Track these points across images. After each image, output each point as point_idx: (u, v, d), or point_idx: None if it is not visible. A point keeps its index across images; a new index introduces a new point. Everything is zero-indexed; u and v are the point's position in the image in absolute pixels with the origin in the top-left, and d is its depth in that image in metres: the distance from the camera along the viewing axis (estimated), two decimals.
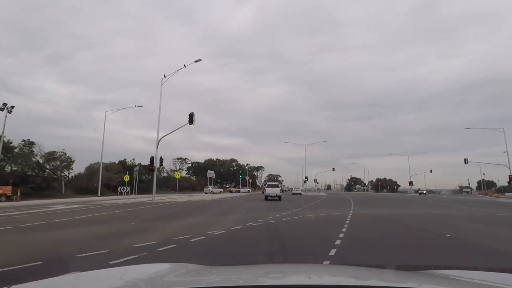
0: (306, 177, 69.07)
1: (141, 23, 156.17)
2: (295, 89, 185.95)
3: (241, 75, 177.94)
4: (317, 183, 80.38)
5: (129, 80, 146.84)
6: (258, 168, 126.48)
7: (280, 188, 32.66)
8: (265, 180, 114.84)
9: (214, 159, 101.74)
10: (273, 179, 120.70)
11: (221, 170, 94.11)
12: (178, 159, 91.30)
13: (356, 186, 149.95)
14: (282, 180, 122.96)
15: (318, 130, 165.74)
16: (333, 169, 79.67)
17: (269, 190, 31.23)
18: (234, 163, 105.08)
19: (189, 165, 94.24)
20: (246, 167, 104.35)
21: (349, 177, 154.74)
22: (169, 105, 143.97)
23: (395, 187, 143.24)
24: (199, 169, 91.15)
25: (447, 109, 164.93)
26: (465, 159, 51.66)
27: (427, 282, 1.61)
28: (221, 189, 60.18)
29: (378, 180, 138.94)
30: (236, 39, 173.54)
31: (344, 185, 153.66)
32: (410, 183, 78.81)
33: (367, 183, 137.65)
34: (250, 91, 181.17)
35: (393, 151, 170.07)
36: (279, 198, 30.87)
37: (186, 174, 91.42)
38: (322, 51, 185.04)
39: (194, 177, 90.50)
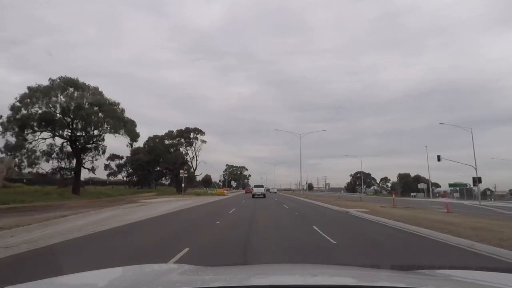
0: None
1: (105, 10, 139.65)
2: (264, 89, 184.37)
3: (211, 72, 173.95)
4: None
5: (91, 71, 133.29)
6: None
7: (264, 188, 42.41)
8: (224, 177, 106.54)
9: None
10: (235, 172, 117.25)
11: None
12: None
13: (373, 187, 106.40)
14: (249, 175, 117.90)
15: (286, 130, 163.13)
16: (439, 158, 41.09)
17: (256, 190, 40.75)
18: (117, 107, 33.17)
19: None
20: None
21: (352, 173, 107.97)
22: (136, 101, 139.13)
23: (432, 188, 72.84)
24: None
25: (406, 114, 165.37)
26: (438, 156, 40.79)
27: (424, 283, 1.62)
28: None
29: (401, 176, 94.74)
30: (206, 35, 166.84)
31: (345, 185, 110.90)
32: None
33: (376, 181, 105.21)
34: (219, 88, 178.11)
35: (356, 153, 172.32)
36: (264, 195, 39.00)
37: None
38: (291, 52, 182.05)
39: None
